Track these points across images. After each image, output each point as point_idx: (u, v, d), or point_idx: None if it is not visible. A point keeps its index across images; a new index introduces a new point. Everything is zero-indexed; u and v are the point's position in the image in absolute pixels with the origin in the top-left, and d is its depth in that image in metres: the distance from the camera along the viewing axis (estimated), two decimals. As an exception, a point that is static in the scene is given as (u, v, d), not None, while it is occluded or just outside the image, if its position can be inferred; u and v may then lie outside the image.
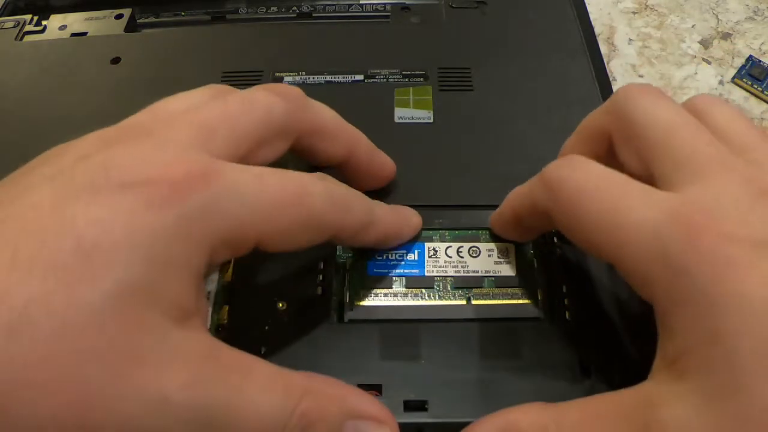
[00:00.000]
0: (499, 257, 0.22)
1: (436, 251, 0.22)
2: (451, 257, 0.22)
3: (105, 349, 0.14)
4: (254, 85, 0.28)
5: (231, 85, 0.28)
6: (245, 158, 0.18)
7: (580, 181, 0.17)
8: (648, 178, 0.17)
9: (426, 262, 0.22)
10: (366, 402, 0.17)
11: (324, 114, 0.21)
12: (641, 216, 0.15)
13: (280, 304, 0.21)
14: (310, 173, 0.18)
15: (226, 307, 0.21)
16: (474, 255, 0.22)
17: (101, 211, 0.14)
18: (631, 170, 0.18)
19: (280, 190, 0.17)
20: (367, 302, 0.21)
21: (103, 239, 0.14)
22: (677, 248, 0.15)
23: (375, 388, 0.20)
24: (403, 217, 0.22)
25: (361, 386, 0.20)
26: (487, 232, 0.23)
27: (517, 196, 0.21)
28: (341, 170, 0.22)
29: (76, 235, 0.14)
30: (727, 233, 0.14)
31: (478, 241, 0.23)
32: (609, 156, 0.19)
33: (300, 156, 0.21)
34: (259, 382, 0.15)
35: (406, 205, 0.24)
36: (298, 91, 0.20)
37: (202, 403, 0.14)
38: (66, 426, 0.14)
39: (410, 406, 0.19)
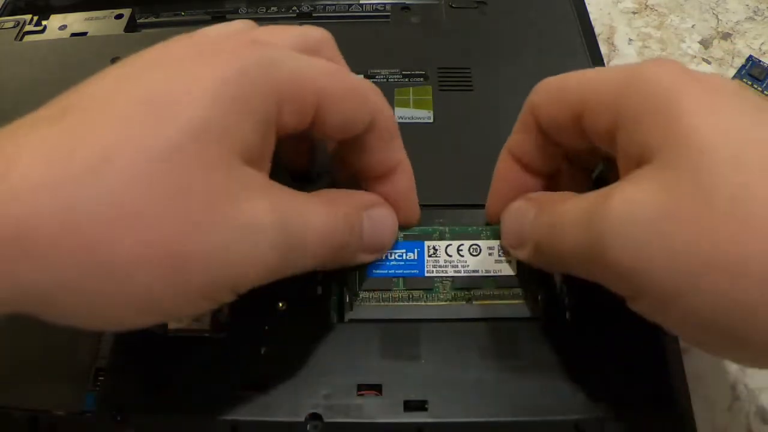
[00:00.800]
0: (500, 255, 0.22)
1: (436, 250, 0.22)
2: (451, 256, 0.22)
3: (191, 182, 0.15)
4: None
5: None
6: None
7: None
8: None
9: (426, 261, 0.22)
10: (366, 195, 0.21)
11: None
12: (604, 72, 0.18)
13: (280, 304, 0.21)
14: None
15: (226, 307, 0.21)
16: (474, 253, 0.22)
17: (171, 70, 0.16)
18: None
19: (328, 62, 0.19)
20: (367, 302, 0.21)
21: (175, 89, 0.15)
22: (642, 70, 0.16)
23: (375, 388, 0.20)
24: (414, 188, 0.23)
25: (361, 386, 0.20)
26: (489, 230, 0.23)
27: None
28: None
29: (150, 89, 0.15)
30: (683, 66, 0.16)
31: (479, 238, 0.22)
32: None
33: None
34: (317, 202, 0.18)
35: None
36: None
37: (285, 223, 0.16)
38: (158, 259, 0.14)
39: (410, 406, 0.19)
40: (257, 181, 0.16)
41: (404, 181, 0.21)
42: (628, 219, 0.15)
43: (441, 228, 0.23)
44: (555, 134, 0.20)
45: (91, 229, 0.14)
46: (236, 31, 0.19)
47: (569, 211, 0.17)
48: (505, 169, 0.22)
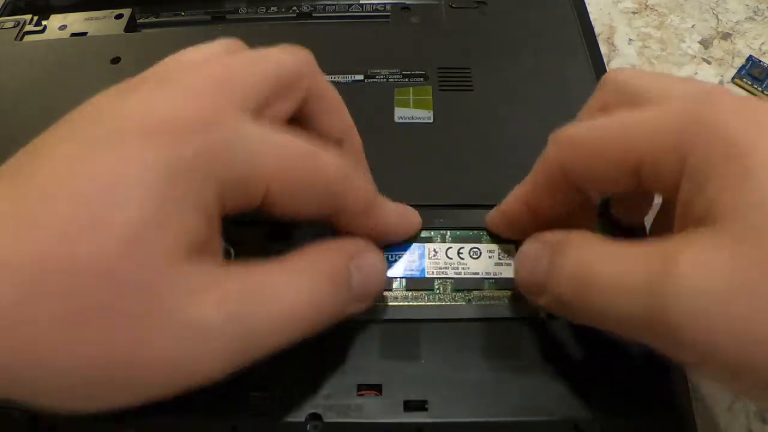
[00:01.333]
0: (500, 259, 0.22)
1: (437, 252, 0.22)
2: (451, 258, 0.22)
3: (129, 290, 0.14)
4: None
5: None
6: (257, 111, 0.18)
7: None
8: None
9: (426, 263, 0.22)
10: (353, 241, 0.19)
11: (329, 84, 0.21)
12: (659, 115, 0.16)
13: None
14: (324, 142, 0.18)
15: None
16: (475, 256, 0.22)
17: (113, 157, 0.15)
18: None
19: (293, 142, 0.17)
20: (367, 302, 0.21)
21: (116, 183, 0.14)
22: (707, 111, 0.15)
23: (375, 388, 0.20)
24: (404, 212, 0.22)
25: (361, 386, 0.20)
26: (489, 234, 0.23)
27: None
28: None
29: (89, 183, 0.14)
30: (750, 102, 0.15)
31: (479, 242, 0.23)
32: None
33: (299, 125, 0.20)
34: (283, 275, 0.16)
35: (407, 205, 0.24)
36: (308, 52, 0.20)
37: (239, 314, 0.15)
38: (100, 373, 0.14)
39: (410, 406, 0.19)
40: (203, 273, 0.15)
41: (390, 224, 0.21)
42: (699, 288, 0.14)
43: (442, 232, 0.23)
44: (591, 186, 0.18)
45: (34, 347, 0.14)
46: (206, 60, 0.18)
47: (608, 269, 0.16)
48: (514, 213, 0.21)
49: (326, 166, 0.17)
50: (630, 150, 0.17)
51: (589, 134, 0.18)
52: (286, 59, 0.19)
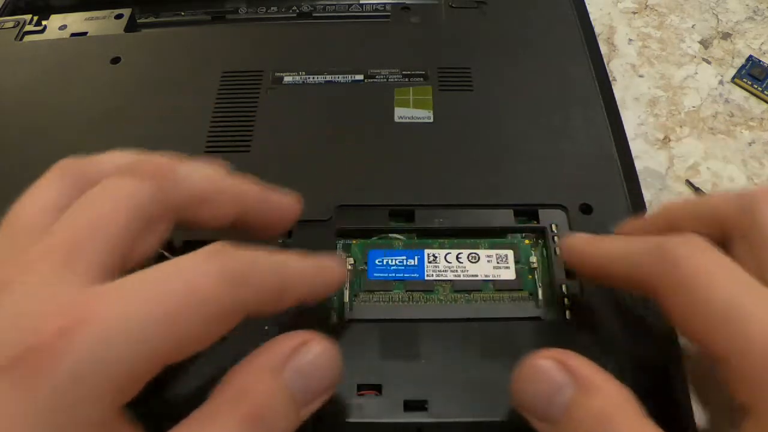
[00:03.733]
0: (498, 263, 0.22)
1: (436, 257, 0.22)
2: (450, 263, 0.22)
3: None
4: (254, 85, 0.28)
5: (231, 85, 0.28)
6: (125, 259, 0.16)
7: (703, 265, 0.16)
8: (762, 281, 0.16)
9: (426, 267, 0.22)
10: (284, 342, 0.16)
11: (200, 177, 0.18)
12: (763, 319, 0.15)
13: (280, 304, 0.21)
14: (201, 251, 0.15)
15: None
16: (473, 261, 0.22)
17: None
18: (744, 268, 0.17)
19: (166, 299, 0.14)
20: (367, 302, 0.21)
21: None
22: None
23: (375, 388, 0.20)
24: (321, 269, 0.19)
25: (361, 386, 0.20)
26: (486, 241, 0.23)
27: (618, 251, 0.19)
28: (235, 229, 0.19)
29: None
30: None
31: (478, 248, 0.23)
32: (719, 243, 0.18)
33: (186, 229, 0.18)
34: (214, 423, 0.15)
35: (406, 206, 0.24)
36: (163, 162, 0.17)
37: None
38: None
39: (410, 406, 0.19)
40: None
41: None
42: None
43: (441, 239, 0.23)
44: None
45: None
46: (56, 277, 0.14)
47: None
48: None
49: (207, 294, 0.14)
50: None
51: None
52: (139, 192, 0.16)
